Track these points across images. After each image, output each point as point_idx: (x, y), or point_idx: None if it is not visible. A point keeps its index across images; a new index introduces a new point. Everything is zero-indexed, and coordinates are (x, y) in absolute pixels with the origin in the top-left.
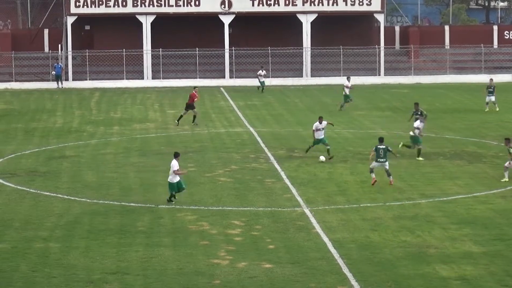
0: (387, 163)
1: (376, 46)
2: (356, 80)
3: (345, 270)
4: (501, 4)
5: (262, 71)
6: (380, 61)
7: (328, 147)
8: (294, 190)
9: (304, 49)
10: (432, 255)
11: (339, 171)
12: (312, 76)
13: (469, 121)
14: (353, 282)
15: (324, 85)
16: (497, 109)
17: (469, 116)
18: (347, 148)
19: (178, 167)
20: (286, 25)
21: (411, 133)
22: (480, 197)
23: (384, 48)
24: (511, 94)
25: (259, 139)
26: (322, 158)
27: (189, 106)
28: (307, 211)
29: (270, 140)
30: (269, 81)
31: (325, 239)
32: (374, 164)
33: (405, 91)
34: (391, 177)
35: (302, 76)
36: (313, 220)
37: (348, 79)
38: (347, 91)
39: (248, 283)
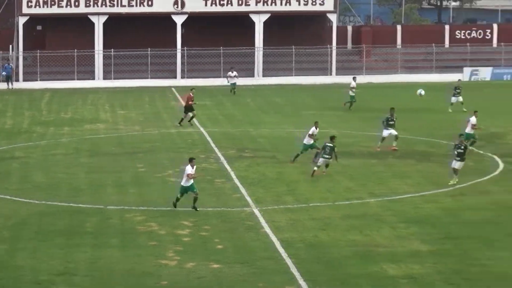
0: (331, 160)
1: (328, 45)
2: (308, 79)
3: (293, 270)
4: (453, 4)
5: (233, 72)
6: (332, 61)
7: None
8: (243, 190)
9: (256, 49)
10: (380, 254)
11: (289, 171)
12: (264, 76)
13: (420, 120)
14: (301, 281)
15: (275, 85)
16: (464, 109)
17: (420, 116)
18: (298, 148)
19: (191, 172)
20: (239, 25)
21: (467, 130)
22: (428, 196)
23: (336, 47)
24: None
25: (209, 139)
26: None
27: (188, 108)
28: (256, 211)
29: (220, 140)
30: (220, 81)
31: (274, 238)
32: (321, 160)
33: (356, 91)
34: (326, 168)
35: (254, 76)
36: (262, 220)
37: (354, 79)
38: (353, 91)
39: (196, 283)
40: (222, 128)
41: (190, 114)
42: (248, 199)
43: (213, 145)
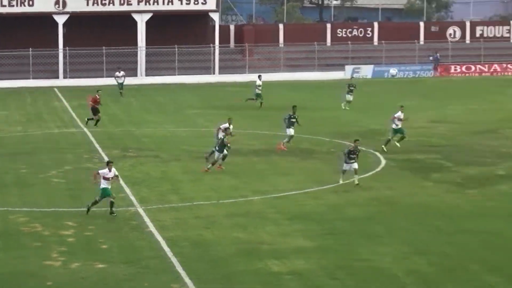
0: (219, 154)
1: (211, 44)
2: (191, 79)
3: (179, 268)
4: (334, 2)
5: (120, 72)
6: (215, 60)
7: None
8: (128, 190)
9: (138, 49)
10: (264, 251)
11: (173, 170)
12: (147, 75)
13: (302, 118)
14: (187, 280)
15: (158, 84)
16: (348, 108)
17: (302, 113)
18: (181, 147)
19: (105, 174)
20: (122, 24)
21: (394, 126)
22: (312, 193)
23: (219, 46)
24: (343, 91)
25: (93, 139)
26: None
27: (95, 110)
28: (140, 210)
29: (104, 140)
30: (103, 81)
31: (159, 237)
32: (216, 154)
33: (239, 89)
34: (210, 165)
35: (137, 76)
36: (146, 219)
37: (260, 77)
38: (259, 89)
39: (80, 283)
40: (105, 128)
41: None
42: (133, 198)
43: (96, 145)
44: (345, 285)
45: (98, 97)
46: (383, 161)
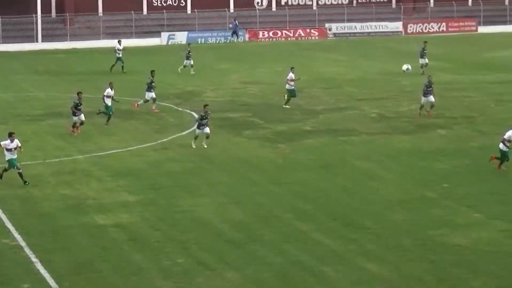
0: (75, 118)
1: (34, 14)
2: (15, 47)
3: (8, 224)
4: None
5: None
6: (38, 29)
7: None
8: None
9: None
10: (90, 206)
11: (1, 134)
12: None
13: (123, 82)
14: (16, 235)
15: None
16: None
17: (123, 77)
18: (8, 111)
19: (7, 145)
20: None
21: (287, 86)
22: (133, 151)
23: (41, 16)
24: (160, 57)
25: None
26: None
27: None
28: None
29: None
30: None
31: None
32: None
33: (61, 56)
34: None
35: None
36: None
37: (119, 42)
38: (119, 53)
39: None
40: None
41: None
42: None
43: None
44: (167, 235)
45: None
46: None
